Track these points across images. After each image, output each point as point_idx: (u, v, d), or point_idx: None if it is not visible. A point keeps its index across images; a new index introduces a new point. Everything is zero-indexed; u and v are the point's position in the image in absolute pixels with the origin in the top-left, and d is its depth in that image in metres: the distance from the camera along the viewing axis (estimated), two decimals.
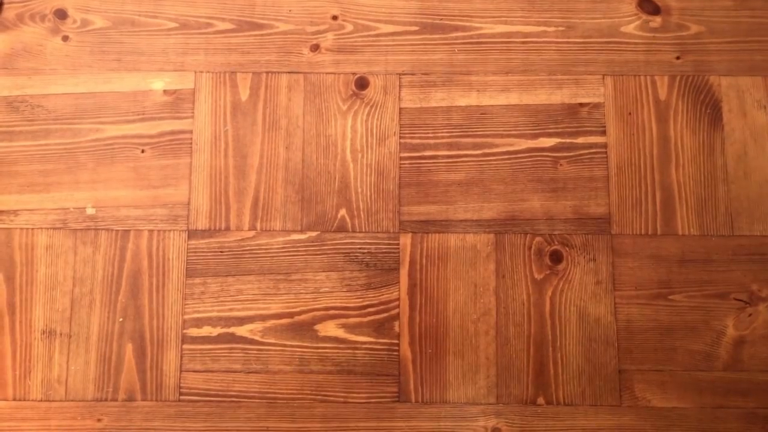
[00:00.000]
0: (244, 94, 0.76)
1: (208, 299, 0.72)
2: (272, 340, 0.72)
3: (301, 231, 0.74)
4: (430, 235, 0.73)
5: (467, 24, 0.77)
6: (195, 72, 0.77)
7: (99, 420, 0.70)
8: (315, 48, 0.77)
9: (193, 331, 0.72)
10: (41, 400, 0.71)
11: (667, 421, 0.69)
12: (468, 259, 0.72)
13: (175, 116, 0.76)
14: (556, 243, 0.73)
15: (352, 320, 0.72)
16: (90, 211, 0.74)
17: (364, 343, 0.72)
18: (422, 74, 0.76)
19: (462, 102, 0.75)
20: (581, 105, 0.75)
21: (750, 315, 0.71)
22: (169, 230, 0.73)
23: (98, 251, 0.73)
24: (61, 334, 0.72)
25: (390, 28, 0.77)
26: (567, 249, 0.72)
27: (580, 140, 0.74)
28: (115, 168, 0.75)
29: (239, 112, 0.76)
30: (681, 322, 0.71)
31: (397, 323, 0.71)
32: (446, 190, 0.74)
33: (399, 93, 0.76)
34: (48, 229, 0.74)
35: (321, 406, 0.71)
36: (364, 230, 0.73)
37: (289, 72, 0.77)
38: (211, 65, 0.77)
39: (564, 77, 0.76)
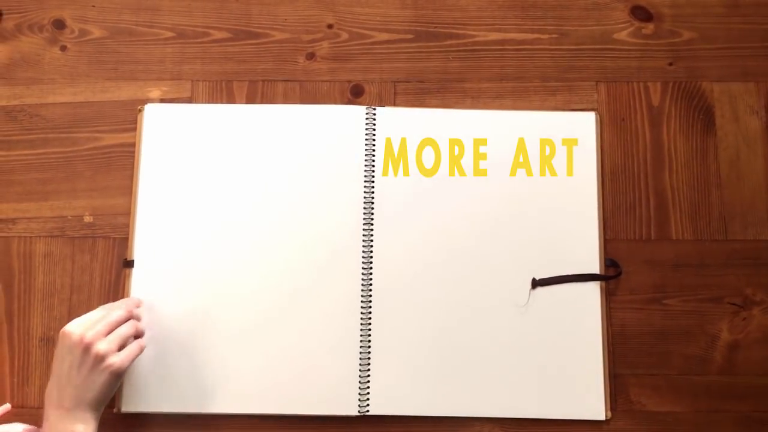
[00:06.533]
0: (241, 103, 0.77)
1: None
2: None
3: None
4: None
5: (461, 32, 0.78)
6: (192, 81, 0.77)
7: None
8: (311, 56, 0.78)
9: None
10: (39, 407, 0.71)
11: (662, 426, 0.69)
12: None
13: None
14: None
15: None
16: (87, 219, 0.74)
17: None
18: (417, 81, 0.77)
19: (456, 109, 0.76)
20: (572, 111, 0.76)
21: (744, 319, 0.72)
22: None
23: (96, 259, 0.73)
24: None
25: (385, 36, 0.78)
26: None
27: None
28: (112, 176, 0.75)
29: None
30: (675, 326, 0.71)
31: None
32: None
33: (394, 100, 0.77)
34: (46, 237, 0.74)
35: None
36: None
37: (285, 80, 0.77)
38: (207, 74, 0.77)
39: (557, 84, 0.77)
